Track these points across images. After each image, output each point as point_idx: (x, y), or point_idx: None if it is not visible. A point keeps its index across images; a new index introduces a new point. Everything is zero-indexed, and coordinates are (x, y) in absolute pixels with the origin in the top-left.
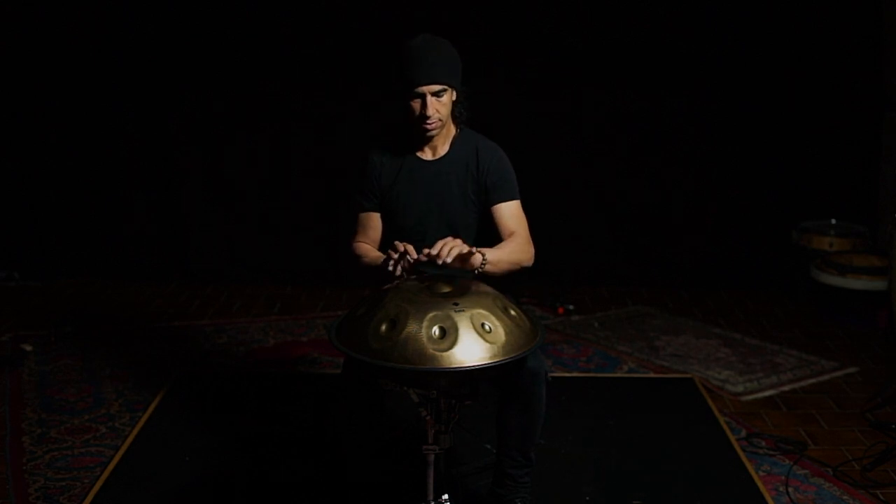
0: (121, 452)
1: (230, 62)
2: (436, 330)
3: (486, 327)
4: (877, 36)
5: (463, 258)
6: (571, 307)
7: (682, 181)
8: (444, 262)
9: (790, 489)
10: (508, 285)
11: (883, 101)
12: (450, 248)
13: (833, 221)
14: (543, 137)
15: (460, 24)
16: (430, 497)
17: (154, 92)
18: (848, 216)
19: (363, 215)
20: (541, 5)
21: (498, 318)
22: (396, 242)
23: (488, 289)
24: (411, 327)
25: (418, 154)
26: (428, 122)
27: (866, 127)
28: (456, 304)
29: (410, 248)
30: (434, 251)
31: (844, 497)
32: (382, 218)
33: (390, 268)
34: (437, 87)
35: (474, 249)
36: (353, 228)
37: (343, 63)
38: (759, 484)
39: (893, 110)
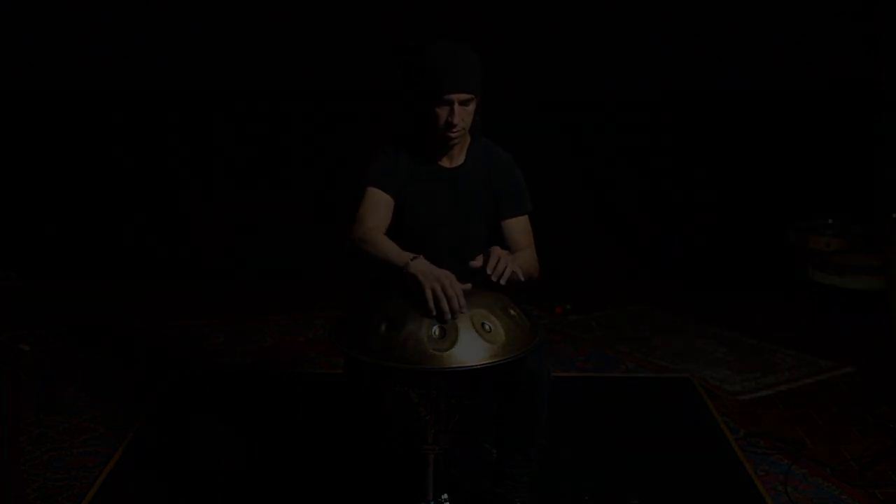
0: (119, 452)
1: (230, 61)
2: (436, 330)
3: (486, 327)
4: (873, 36)
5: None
6: (569, 307)
7: (680, 181)
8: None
9: (789, 488)
10: (507, 285)
11: (880, 100)
12: (503, 269)
13: (830, 221)
14: (541, 136)
15: (457, 27)
16: (430, 497)
17: (152, 91)
18: (845, 216)
19: (376, 191)
20: (538, 6)
21: (498, 317)
22: (461, 297)
23: (488, 289)
24: (411, 327)
25: (435, 160)
26: (453, 130)
27: (863, 126)
28: None
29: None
30: (489, 270)
31: (843, 496)
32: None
33: (434, 310)
34: (465, 96)
35: (518, 269)
36: (355, 209)
37: (344, 62)
38: (758, 483)
39: (890, 109)
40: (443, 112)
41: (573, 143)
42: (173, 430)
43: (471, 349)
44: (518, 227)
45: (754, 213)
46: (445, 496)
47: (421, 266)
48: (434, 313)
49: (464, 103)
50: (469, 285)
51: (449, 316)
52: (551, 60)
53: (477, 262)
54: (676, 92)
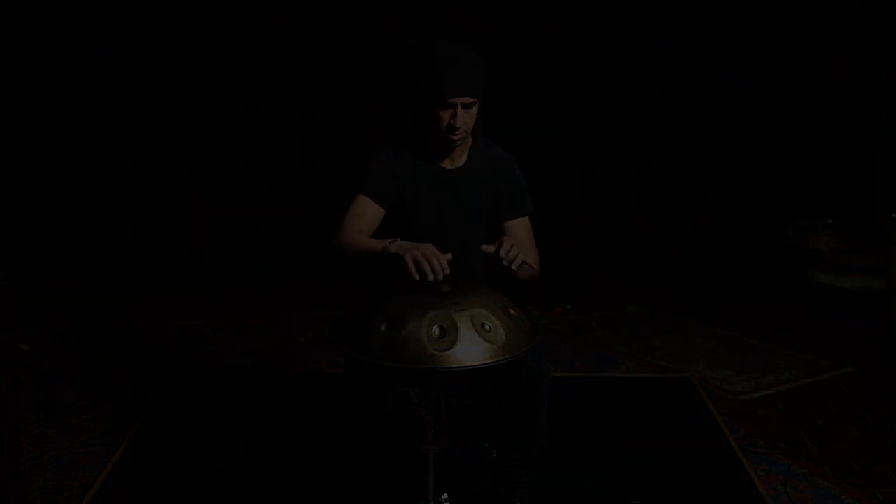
0: (119, 452)
1: (230, 61)
2: (436, 329)
3: (486, 327)
4: (873, 36)
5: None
6: (569, 307)
7: (680, 181)
8: (511, 269)
9: (789, 488)
10: (517, 278)
11: (880, 100)
12: (516, 254)
13: (830, 221)
14: (541, 136)
15: (457, 27)
16: (430, 497)
17: (152, 91)
18: (845, 216)
19: (365, 200)
20: (538, 6)
21: (498, 317)
22: (443, 260)
23: (488, 289)
24: (411, 327)
25: (436, 161)
26: (456, 133)
27: (863, 126)
28: (456, 304)
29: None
30: (503, 253)
31: (843, 496)
32: (387, 222)
33: (416, 274)
34: (469, 100)
35: (529, 259)
36: (342, 216)
37: (344, 62)
38: (758, 483)
39: (890, 109)
40: (446, 115)
41: (573, 143)
42: (173, 430)
43: (471, 349)
44: (519, 227)
45: (754, 213)
46: (445, 496)
47: (399, 243)
48: (417, 277)
49: (467, 106)
50: (450, 255)
51: (432, 276)
52: (551, 60)
53: (489, 249)
54: (676, 92)
